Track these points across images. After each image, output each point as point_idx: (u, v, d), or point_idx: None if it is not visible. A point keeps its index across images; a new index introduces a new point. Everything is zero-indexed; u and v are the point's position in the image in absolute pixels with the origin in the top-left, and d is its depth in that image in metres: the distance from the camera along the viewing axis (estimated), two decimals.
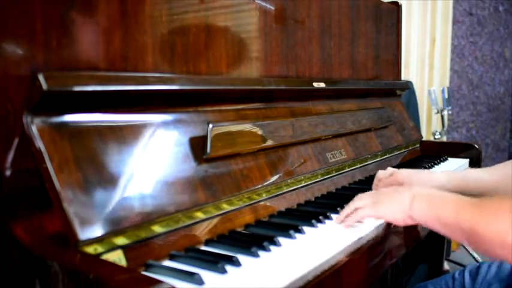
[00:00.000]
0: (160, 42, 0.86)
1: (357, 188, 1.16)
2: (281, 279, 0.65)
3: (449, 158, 1.68)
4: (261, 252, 0.74)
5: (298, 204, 1.05)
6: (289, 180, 1.05)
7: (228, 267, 0.68)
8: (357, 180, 1.30)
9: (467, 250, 2.48)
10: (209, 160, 0.87)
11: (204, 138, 0.86)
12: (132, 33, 0.81)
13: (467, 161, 1.65)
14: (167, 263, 0.72)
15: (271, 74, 1.15)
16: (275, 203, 1.00)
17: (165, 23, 0.87)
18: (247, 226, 0.90)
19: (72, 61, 0.72)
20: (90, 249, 0.65)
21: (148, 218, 0.72)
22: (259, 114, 1.06)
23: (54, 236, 0.65)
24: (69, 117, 0.70)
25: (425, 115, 3.04)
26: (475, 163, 1.66)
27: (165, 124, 0.84)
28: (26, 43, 0.67)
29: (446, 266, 2.26)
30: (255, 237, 0.81)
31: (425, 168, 1.46)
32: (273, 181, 1.00)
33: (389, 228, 0.92)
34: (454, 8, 3.35)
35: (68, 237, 0.63)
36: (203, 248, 0.79)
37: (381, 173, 1.13)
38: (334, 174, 1.22)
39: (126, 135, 0.76)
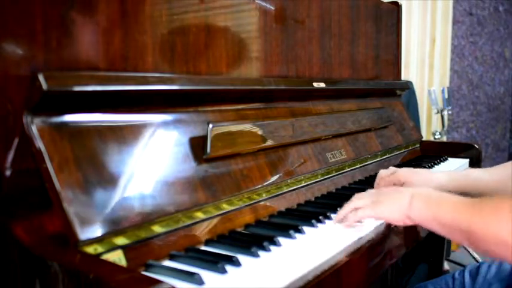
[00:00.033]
0: (160, 42, 0.86)
1: (357, 188, 1.16)
2: (281, 279, 0.65)
3: (449, 158, 1.68)
4: (261, 252, 0.74)
5: (298, 204, 1.05)
6: (289, 180, 1.05)
7: (228, 267, 0.68)
8: (357, 180, 1.30)
9: (467, 250, 2.48)
10: (209, 160, 0.87)
11: (204, 138, 0.86)
12: (132, 33, 0.81)
13: (467, 161, 1.65)
14: (167, 263, 0.72)
15: (271, 74, 1.15)
16: (275, 203, 1.00)
17: (165, 23, 0.87)
18: (247, 226, 0.90)
19: (72, 61, 0.72)
20: (90, 249, 0.65)
21: (148, 218, 0.72)
22: (259, 114, 1.06)
23: (54, 236, 0.65)
24: (69, 117, 0.70)
25: (425, 115, 3.04)
26: (475, 163, 1.66)
27: (165, 124, 0.84)
28: (26, 43, 0.67)
29: (446, 266, 2.26)
30: (255, 237, 0.81)
31: (425, 168, 1.46)
32: (273, 181, 1.00)
33: (389, 228, 0.92)
34: (454, 8, 3.35)
35: (68, 237, 0.63)
36: (203, 248, 0.79)
37: (382, 172, 1.13)
38: (334, 174, 1.22)
39: (126, 135, 0.76)
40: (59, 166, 0.65)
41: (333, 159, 1.22)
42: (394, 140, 1.60)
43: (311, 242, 0.81)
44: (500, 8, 4.07)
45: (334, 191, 1.18)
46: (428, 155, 1.75)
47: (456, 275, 1.15)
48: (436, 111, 2.85)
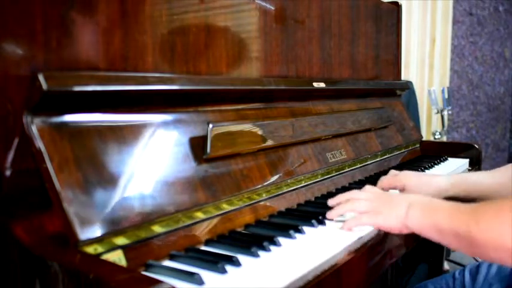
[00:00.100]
0: (160, 42, 0.86)
1: (357, 188, 1.16)
2: (281, 279, 0.65)
3: (449, 158, 1.68)
4: (261, 252, 0.74)
5: (298, 204, 1.05)
6: (289, 180, 1.05)
7: (228, 267, 0.68)
8: (357, 180, 1.30)
9: None
10: (209, 160, 0.87)
11: (204, 138, 0.86)
12: (132, 33, 0.81)
13: (467, 161, 1.65)
14: (167, 263, 0.72)
15: (271, 74, 1.15)
16: (275, 203, 1.00)
17: (165, 23, 0.87)
18: (247, 226, 0.90)
19: (72, 61, 0.72)
20: (90, 249, 0.65)
21: (148, 218, 0.72)
22: (259, 114, 1.06)
23: (54, 236, 0.65)
24: (69, 117, 0.70)
25: (425, 115, 3.04)
26: (475, 163, 1.66)
27: (165, 124, 0.84)
28: (26, 43, 0.67)
29: (446, 265, 2.26)
30: (255, 237, 0.81)
31: (425, 168, 1.46)
32: (273, 181, 1.00)
33: None
34: (454, 8, 3.36)
35: (68, 237, 0.63)
36: (203, 248, 0.79)
37: (384, 178, 1.13)
38: (334, 174, 1.22)
39: (126, 135, 0.76)
40: (59, 166, 0.65)
41: (333, 159, 1.22)
42: (394, 140, 1.60)
43: (311, 242, 0.81)
44: (500, 8, 4.07)
45: (334, 191, 1.18)
46: (428, 155, 1.75)
47: (456, 274, 1.15)
48: (436, 111, 2.85)
